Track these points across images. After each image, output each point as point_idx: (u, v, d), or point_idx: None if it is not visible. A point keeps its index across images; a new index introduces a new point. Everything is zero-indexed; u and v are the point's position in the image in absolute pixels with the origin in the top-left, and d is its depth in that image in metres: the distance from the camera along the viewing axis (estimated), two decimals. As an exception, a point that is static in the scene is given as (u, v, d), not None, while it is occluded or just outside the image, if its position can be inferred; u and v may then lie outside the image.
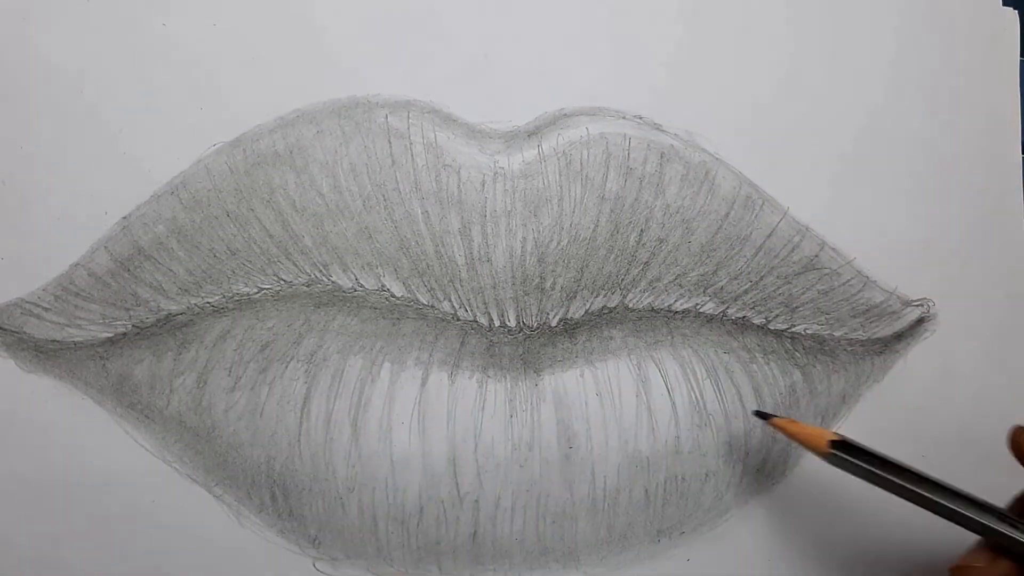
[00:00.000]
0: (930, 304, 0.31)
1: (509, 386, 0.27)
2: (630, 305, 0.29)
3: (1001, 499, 0.29)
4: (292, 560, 0.26)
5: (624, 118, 0.28)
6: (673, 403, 0.28)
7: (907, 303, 0.30)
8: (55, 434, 0.25)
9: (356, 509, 0.26)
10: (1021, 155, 0.32)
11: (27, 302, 0.25)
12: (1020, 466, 0.27)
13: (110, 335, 0.25)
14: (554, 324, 0.28)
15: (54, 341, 0.25)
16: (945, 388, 0.31)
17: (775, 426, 0.27)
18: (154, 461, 0.26)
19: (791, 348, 0.29)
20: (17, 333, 0.25)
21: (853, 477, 0.29)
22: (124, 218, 0.25)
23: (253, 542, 0.26)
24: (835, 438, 0.26)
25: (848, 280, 0.30)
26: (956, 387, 0.31)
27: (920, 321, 0.30)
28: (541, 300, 0.28)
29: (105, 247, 0.25)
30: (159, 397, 0.26)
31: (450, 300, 0.27)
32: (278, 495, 0.26)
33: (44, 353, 0.25)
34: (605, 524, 0.28)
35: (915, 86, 0.31)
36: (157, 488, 0.26)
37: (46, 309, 0.25)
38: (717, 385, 0.29)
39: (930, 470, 0.30)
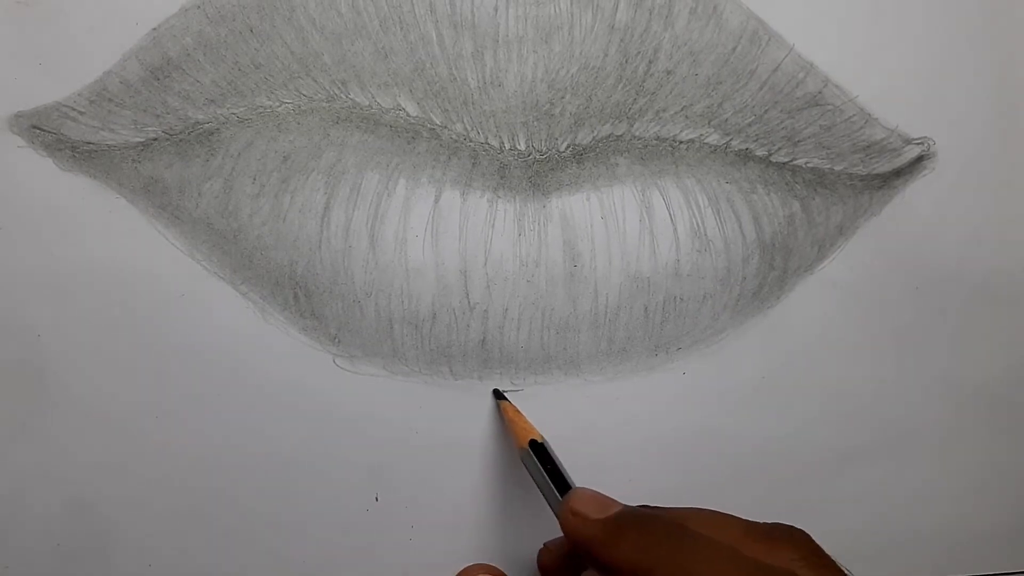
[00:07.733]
0: (930, 143, 0.31)
1: (518, 206, 0.29)
2: (637, 134, 0.30)
3: (1000, 336, 0.31)
4: (314, 355, 0.28)
5: (634, -51, 0.29)
6: (675, 228, 0.30)
7: (908, 141, 0.31)
8: (90, 229, 0.27)
9: (373, 312, 0.28)
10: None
11: (64, 105, 0.26)
12: None
13: (142, 140, 0.27)
14: (562, 149, 0.29)
15: (89, 143, 0.27)
16: (941, 224, 0.32)
17: (501, 407, 0.29)
18: (183, 258, 0.27)
19: (791, 180, 0.30)
20: (55, 134, 0.26)
21: (841, 309, 0.31)
22: (154, 29, 0.27)
23: (277, 337, 0.28)
24: (537, 439, 0.27)
25: (850, 117, 0.31)
26: (952, 224, 0.32)
27: (920, 159, 0.31)
28: (550, 126, 0.29)
29: (136, 56, 0.26)
30: (188, 199, 0.27)
31: (463, 122, 0.28)
32: (300, 295, 0.28)
33: (80, 153, 0.27)
34: (606, 337, 0.30)
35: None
36: (186, 283, 0.27)
37: (81, 113, 0.26)
38: (718, 213, 0.30)
39: (924, 303, 0.32)
